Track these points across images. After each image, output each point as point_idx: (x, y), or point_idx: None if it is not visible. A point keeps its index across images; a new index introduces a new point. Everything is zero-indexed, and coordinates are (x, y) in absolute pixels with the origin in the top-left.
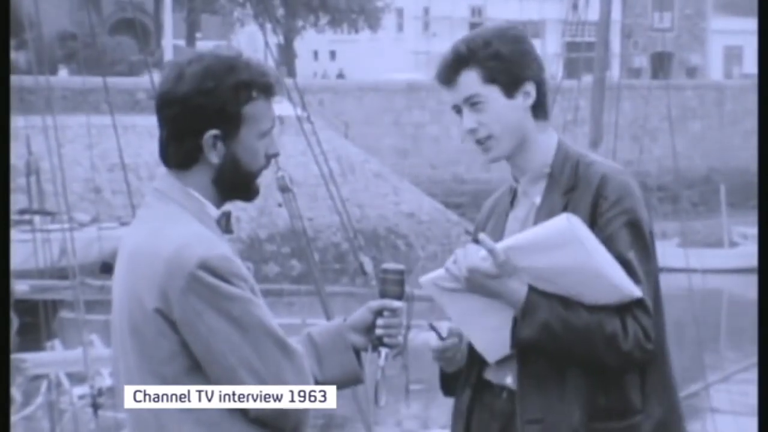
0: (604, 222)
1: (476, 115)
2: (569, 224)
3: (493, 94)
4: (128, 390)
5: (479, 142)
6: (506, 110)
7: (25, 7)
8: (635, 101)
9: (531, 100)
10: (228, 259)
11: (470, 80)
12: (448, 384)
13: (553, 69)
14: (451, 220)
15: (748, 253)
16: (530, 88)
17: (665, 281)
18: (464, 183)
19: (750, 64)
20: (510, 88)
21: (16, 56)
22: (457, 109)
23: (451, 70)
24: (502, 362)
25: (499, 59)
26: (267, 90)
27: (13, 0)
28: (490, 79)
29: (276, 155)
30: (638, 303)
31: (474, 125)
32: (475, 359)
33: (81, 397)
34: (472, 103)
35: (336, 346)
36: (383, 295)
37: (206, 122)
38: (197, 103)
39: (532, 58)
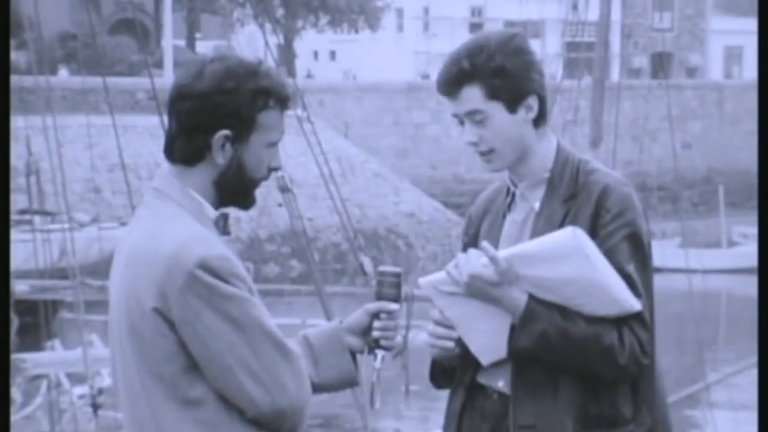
0: (606, 234)
1: (478, 129)
2: (574, 237)
3: (495, 109)
4: (126, 388)
5: (481, 153)
6: (508, 125)
7: (25, 7)
8: (635, 101)
9: (533, 114)
10: (227, 259)
11: (473, 96)
12: (438, 376)
13: (553, 69)
14: (452, 220)
15: (747, 253)
16: (532, 101)
17: (665, 281)
18: (464, 183)
19: (750, 65)
20: (513, 104)
21: (16, 56)
22: (459, 119)
23: (453, 84)
24: (495, 366)
25: (503, 75)
26: (283, 101)
27: (13, 0)
28: (493, 95)
29: (277, 169)
30: (636, 316)
31: (475, 139)
32: (469, 362)
33: (81, 397)
34: (474, 118)
35: (332, 348)
36: (380, 297)
37: (219, 121)
38: (214, 102)
39: (534, 69)
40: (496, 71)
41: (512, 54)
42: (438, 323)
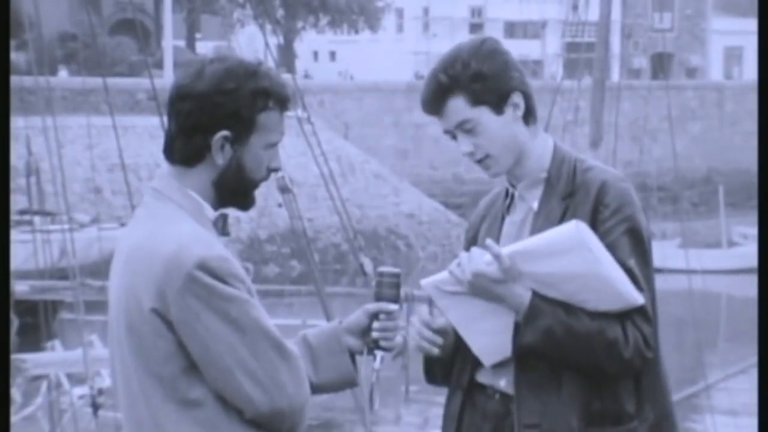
0: (606, 229)
1: (471, 138)
2: (577, 231)
3: (483, 115)
4: (125, 389)
5: (478, 161)
6: (499, 127)
7: (25, 7)
8: (635, 102)
9: (520, 111)
10: (226, 260)
11: (458, 107)
12: (432, 370)
13: (554, 69)
14: (452, 221)
15: (747, 254)
16: (518, 98)
17: (665, 282)
18: (464, 183)
19: (750, 65)
20: (498, 105)
21: (16, 57)
22: (451, 135)
23: (436, 101)
24: (496, 366)
25: (482, 79)
26: (283, 102)
27: (13, 0)
28: (477, 101)
29: (277, 170)
30: (639, 310)
31: (471, 148)
32: (467, 362)
33: (81, 398)
34: (465, 128)
35: (331, 349)
36: (379, 298)
37: (219, 122)
38: (214, 102)
39: (512, 67)
40: (475, 77)
41: (486, 57)
42: (426, 324)
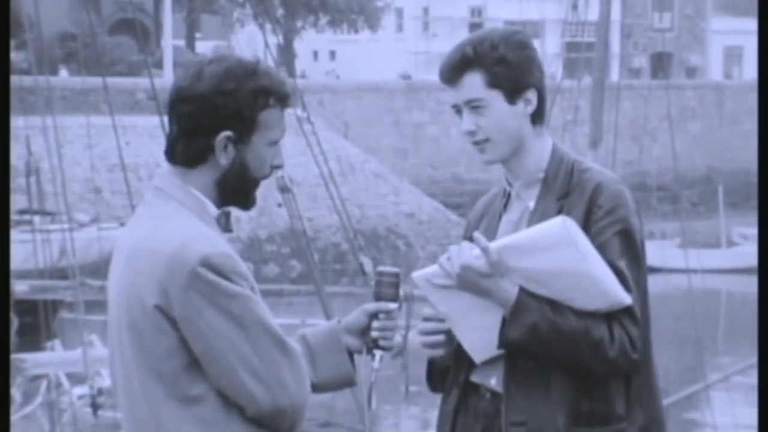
0: (597, 230)
1: (476, 117)
2: (564, 227)
3: (495, 99)
4: (125, 387)
5: (476, 143)
6: (506, 116)
7: (25, 7)
8: (635, 101)
9: (531, 108)
10: (229, 257)
11: (474, 83)
12: (435, 378)
13: (553, 69)
14: (451, 221)
15: (747, 253)
16: (532, 95)
17: (665, 281)
18: (464, 183)
19: (750, 65)
20: (512, 95)
21: (16, 56)
22: (457, 109)
23: (455, 70)
24: (487, 364)
25: (505, 65)
26: (284, 99)
27: (13, 0)
28: (493, 83)
29: (280, 167)
30: (627, 311)
31: (473, 127)
32: (463, 361)
33: (81, 397)
34: (474, 106)
35: (330, 348)
36: (378, 297)
37: (221, 123)
38: (215, 103)
39: (535, 64)
40: (499, 60)
41: (515, 47)
42: (427, 319)
